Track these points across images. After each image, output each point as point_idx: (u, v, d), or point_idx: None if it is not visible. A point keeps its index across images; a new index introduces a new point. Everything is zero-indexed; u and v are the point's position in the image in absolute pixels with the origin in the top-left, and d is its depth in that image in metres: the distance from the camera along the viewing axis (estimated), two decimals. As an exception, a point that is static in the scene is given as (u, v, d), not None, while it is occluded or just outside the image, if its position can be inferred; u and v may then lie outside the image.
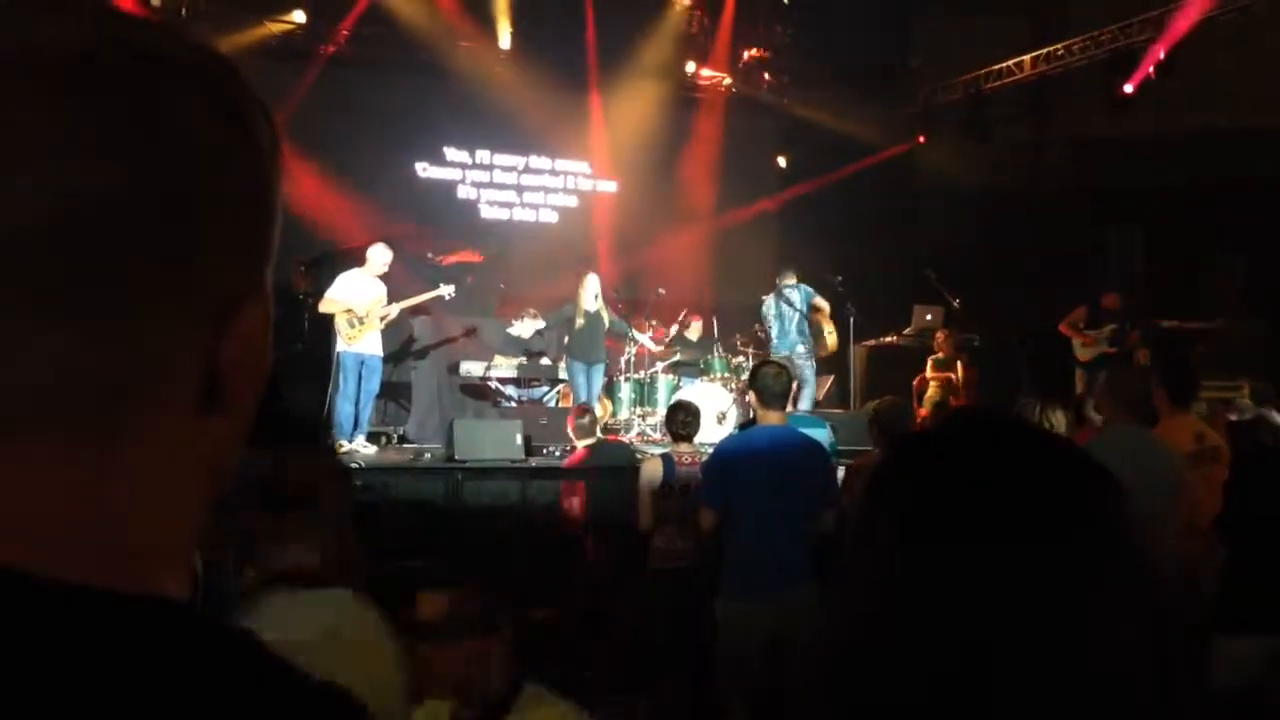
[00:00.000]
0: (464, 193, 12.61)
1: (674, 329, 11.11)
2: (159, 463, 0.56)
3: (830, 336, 10.44)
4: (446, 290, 9.32)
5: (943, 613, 0.72)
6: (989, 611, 0.71)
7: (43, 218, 0.51)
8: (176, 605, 0.56)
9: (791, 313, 10.28)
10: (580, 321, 9.62)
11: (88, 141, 0.52)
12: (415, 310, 9.81)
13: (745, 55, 13.38)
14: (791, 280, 10.37)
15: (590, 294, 9.69)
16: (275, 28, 11.00)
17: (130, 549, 0.55)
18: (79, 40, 0.55)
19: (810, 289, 10.38)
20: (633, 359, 10.35)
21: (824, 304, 10.41)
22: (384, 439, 9.88)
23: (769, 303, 10.43)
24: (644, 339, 10.25)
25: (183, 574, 0.60)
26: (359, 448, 8.64)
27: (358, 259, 8.84)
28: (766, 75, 13.61)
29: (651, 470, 5.62)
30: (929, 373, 10.65)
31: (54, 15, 0.56)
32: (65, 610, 0.50)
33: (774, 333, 10.32)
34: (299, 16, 11.02)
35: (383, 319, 8.80)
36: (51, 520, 0.53)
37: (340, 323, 8.60)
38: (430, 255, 10.90)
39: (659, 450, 6.60)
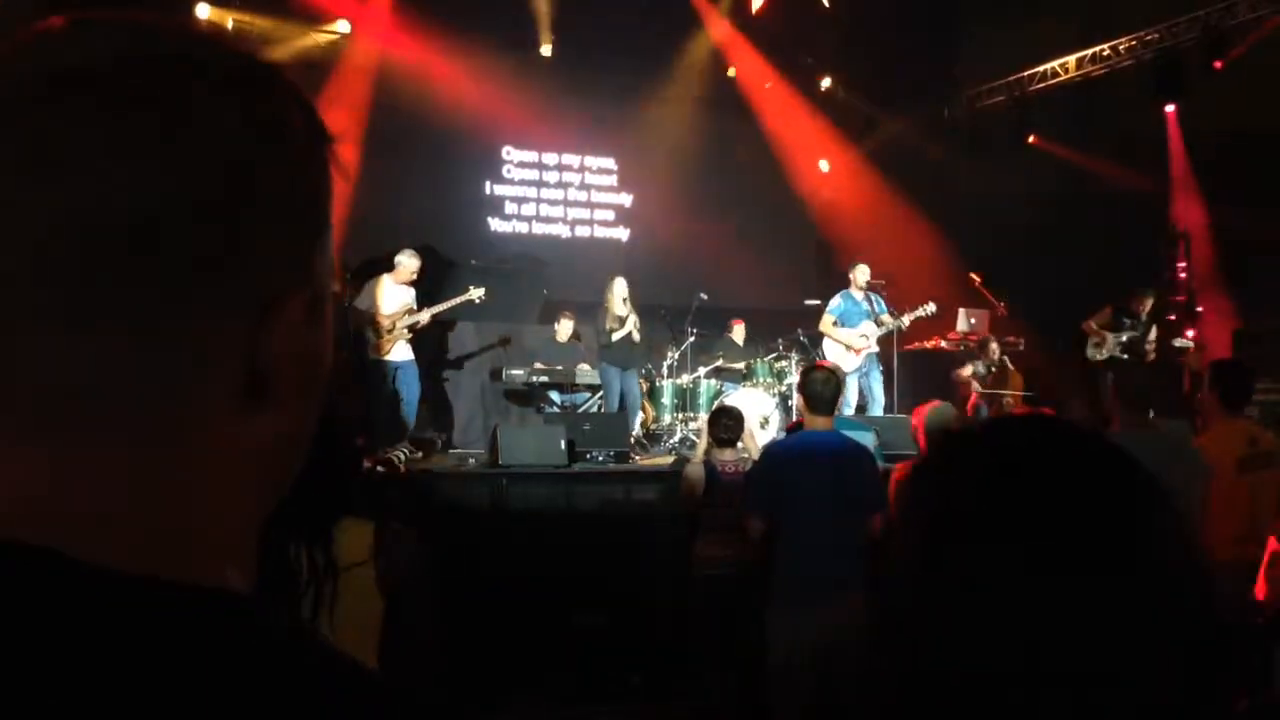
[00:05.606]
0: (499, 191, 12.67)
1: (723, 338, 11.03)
2: (206, 457, 0.58)
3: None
4: (476, 294, 9.27)
5: (970, 613, 0.70)
6: (1017, 616, 0.69)
7: (76, 225, 0.53)
8: (232, 595, 0.57)
9: (866, 309, 10.09)
10: (612, 326, 9.58)
11: (119, 150, 0.54)
12: (452, 316, 9.80)
13: (786, 59, 13.31)
14: (867, 275, 10.12)
15: (619, 298, 9.63)
16: (320, 38, 11.12)
17: (182, 541, 0.56)
18: (113, 51, 0.56)
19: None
20: (675, 363, 10.32)
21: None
22: (427, 445, 9.94)
23: (841, 303, 10.09)
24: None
25: (246, 566, 0.61)
26: (403, 453, 8.69)
27: (390, 266, 8.86)
28: (808, 78, 13.54)
29: (694, 476, 5.60)
30: (971, 375, 10.54)
31: (91, 28, 0.57)
32: (118, 598, 0.52)
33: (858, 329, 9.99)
34: (343, 26, 11.14)
35: (410, 327, 8.79)
36: (102, 514, 0.54)
37: (366, 333, 8.62)
38: (473, 262, 10.95)
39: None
